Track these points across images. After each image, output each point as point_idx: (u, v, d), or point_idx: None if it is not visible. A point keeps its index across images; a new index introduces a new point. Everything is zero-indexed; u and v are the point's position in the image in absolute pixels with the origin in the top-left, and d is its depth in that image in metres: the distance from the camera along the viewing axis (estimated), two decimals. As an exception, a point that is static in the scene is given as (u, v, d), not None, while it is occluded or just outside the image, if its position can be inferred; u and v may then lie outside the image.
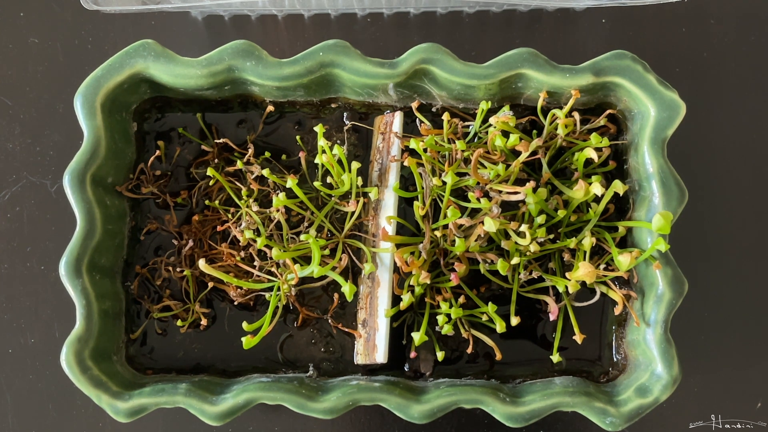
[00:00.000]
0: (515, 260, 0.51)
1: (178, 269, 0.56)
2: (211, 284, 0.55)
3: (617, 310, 0.53)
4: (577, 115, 0.53)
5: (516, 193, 0.50)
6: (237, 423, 0.59)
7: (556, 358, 0.52)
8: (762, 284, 0.60)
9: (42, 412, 0.59)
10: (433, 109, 0.57)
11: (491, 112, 0.55)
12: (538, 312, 0.56)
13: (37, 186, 0.61)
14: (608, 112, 0.54)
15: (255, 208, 0.55)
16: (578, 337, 0.52)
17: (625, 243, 0.55)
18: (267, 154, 0.57)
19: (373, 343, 0.54)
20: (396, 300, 0.53)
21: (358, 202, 0.53)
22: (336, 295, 0.55)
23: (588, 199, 0.51)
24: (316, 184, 0.54)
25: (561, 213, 0.51)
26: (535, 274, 0.53)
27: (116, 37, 0.62)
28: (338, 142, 0.58)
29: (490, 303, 0.52)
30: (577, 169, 0.53)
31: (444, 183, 0.51)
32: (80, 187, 0.51)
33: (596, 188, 0.49)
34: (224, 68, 0.52)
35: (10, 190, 0.61)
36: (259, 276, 0.54)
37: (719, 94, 0.61)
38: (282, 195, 0.52)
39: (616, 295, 0.52)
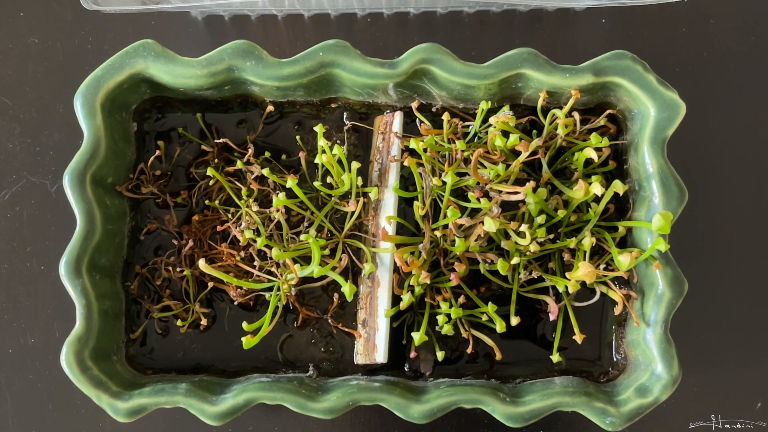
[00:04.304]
0: (515, 260, 0.51)
1: (178, 269, 0.56)
2: (211, 284, 0.55)
3: (617, 310, 0.53)
4: (577, 115, 0.53)
5: (516, 193, 0.50)
6: (237, 423, 0.59)
7: (556, 358, 0.52)
8: (762, 284, 0.60)
9: (42, 412, 0.59)
10: (433, 109, 0.57)
11: (491, 112, 0.55)
12: (538, 312, 0.56)
13: (37, 186, 0.61)
14: (608, 112, 0.54)
15: (255, 208, 0.55)
16: (578, 337, 0.52)
17: (625, 243, 0.55)
18: (267, 154, 0.57)
19: (373, 343, 0.54)
20: (396, 300, 0.53)
21: (358, 202, 0.53)
22: (336, 295, 0.55)
23: (588, 199, 0.51)
24: (316, 184, 0.54)
25: (561, 213, 0.51)
26: (535, 274, 0.53)
27: (116, 37, 0.62)
28: (338, 142, 0.58)
29: (490, 303, 0.52)
30: (577, 169, 0.53)
31: (444, 183, 0.51)
32: (80, 187, 0.51)
33: (596, 188, 0.49)
34: (224, 68, 0.52)
35: (10, 190, 0.61)
36: (259, 276, 0.54)
37: (719, 94, 0.61)
38: (282, 195, 0.52)
39: (616, 295, 0.52)
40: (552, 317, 0.53)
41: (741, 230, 0.60)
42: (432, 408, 0.50)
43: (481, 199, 0.50)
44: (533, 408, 0.50)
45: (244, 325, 0.50)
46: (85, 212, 0.52)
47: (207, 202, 0.57)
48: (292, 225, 0.56)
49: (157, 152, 0.57)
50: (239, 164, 0.55)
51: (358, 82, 0.53)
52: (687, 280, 0.51)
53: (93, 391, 0.51)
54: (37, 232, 0.61)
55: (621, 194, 0.51)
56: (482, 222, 0.50)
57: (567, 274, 0.51)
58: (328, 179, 0.55)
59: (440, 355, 0.53)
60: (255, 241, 0.53)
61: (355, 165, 0.53)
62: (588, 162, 0.54)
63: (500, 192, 0.51)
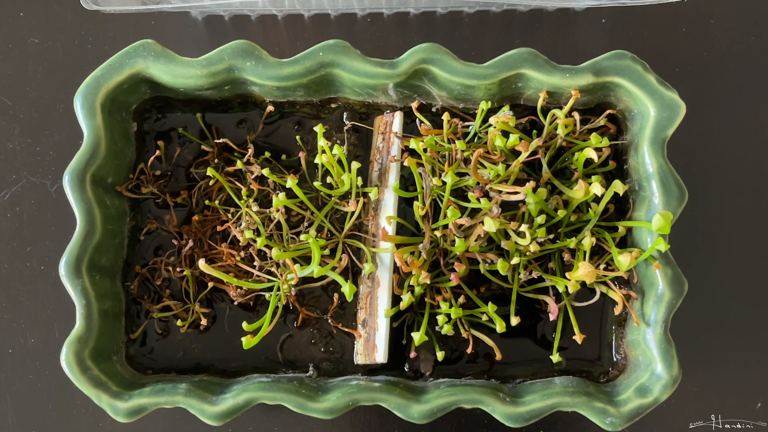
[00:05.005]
0: (515, 260, 0.51)
1: (178, 269, 0.56)
2: (211, 284, 0.55)
3: (617, 310, 0.53)
4: (577, 115, 0.53)
5: (516, 193, 0.50)
6: (237, 423, 0.59)
7: (556, 358, 0.52)
8: (762, 284, 0.60)
9: (42, 412, 0.59)
10: (433, 109, 0.57)
11: (491, 112, 0.55)
12: (538, 312, 0.56)
13: (37, 186, 0.61)
14: (608, 112, 0.54)
15: (255, 208, 0.55)
16: (578, 337, 0.52)
17: (625, 243, 0.55)
18: (267, 154, 0.57)
19: (373, 343, 0.54)
20: (396, 300, 0.53)
21: (358, 202, 0.53)
22: (336, 295, 0.55)
23: (588, 199, 0.51)
24: (316, 184, 0.54)
25: (561, 213, 0.51)
26: (535, 274, 0.53)
27: (116, 37, 0.62)
28: (338, 142, 0.58)
29: (490, 303, 0.52)
30: (577, 169, 0.53)
31: (444, 183, 0.51)
32: (80, 187, 0.51)
33: (596, 188, 0.49)
34: (224, 68, 0.52)
35: (10, 190, 0.61)
36: (259, 276, 0.54)
37: (719, 94, 0.61)
38: (282, 195, 0.52)
39: (616, 295, 0.52)
40: (552, 317, 0.53)
41: (741, 230, 0.60)
42: (432, 408, 0.50)
43: (481, 199, 0.50)
44: (533, 408, 0.50)
45: (244, 325, 0.50)
46: (85, 212, 0.52)
47: (207, 202, 0.57)
48: (292, 225, 0.56)
49: (157, 152, 0.57)
50: (239, 164, 0.55)
51: (358, 82, 0.53)
52: (687, 280, 0.51)
53: (93, 391, 0.51)
54: (37, 232, 0.61)
55: (621, 194, 0.51)
56: (482, 222, 0.50)
57: (567, 274, 0.51)
58: (328, 179, 0.55)
59: (440, 355, 0.53)
60: (255, 241, 0.53)
61: (355, 165, 0.53)
62: (588, 162, 0.54)
63: (500, 192, 0.51)
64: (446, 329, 0.52)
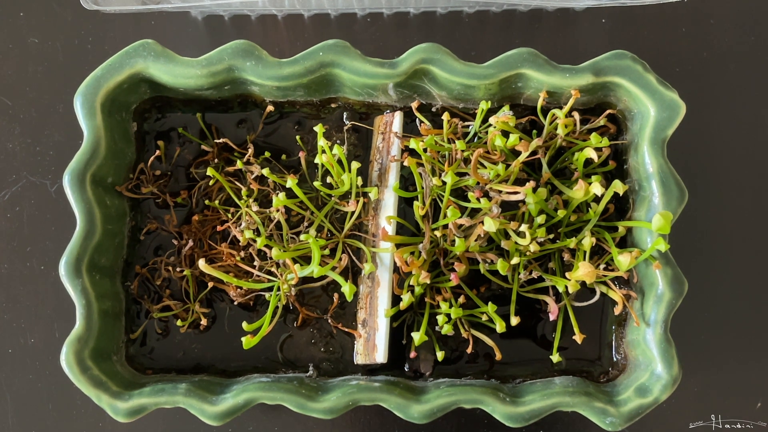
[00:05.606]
0: (515, 260, 0.51)
1: (178, 269, 0.56)
2: (211, 284, 0.55)
3: (617, 310, 0.53)
4: (576, 115, 0.53)
5: (516, 193, 0.50)
6: (237, 423, 0.59)
7: (556, 358, 0.52)
8: (762, 284, 0.60)
9: (42, 412, 0.59)
10: (433, 109, 0.57)
11: (491, 112, 0.55)
12: (538, 312, 0.56)
13: (37, 186, 0.61)
14: (608, 112, 0.54)
15: (255, 208, 0.55)
16: (578, 337, 0.52)
17: (625, 243, 0.55)
18: (267, 154, 0.57)
19: (373, 343, 0.54)
20: (396, 300, 0.53)
21: (358, 202, 0.53)
22: (336, 295, 0.55)
23: (588, 199, 0.51)
24: (316, 184, 0.54)
25: (561, 213, 0.51)
26: (535, 274, 0.53)
27: (116, 37, 0.62)
28: (338, 142, 0.58)
29: (490, 303, 0.52)
30: (577, 169, 0.53)
31: (444, 183, 0.51)
32: (80, 187, 0.51)
33: (596, 188, 0.49)
34: (224, 68, 0.52)
35: (10, 190, 0.61)
36: (259, 276, 0.54)
37: (719, 94, 0.61)
38: (282, 195, 0.52)
39: (616, 295, 0.52)
40: (552, 317, 0.53)
41: (741, 230, 0.60)
42: (432, 408, 0.50)
43: (481, 199, 0.50)
44: (533, 408, 0.50)
45: (244, 325, 0.50)
46: (85, 212, 0.52)
47: (207, 202, 0.57)
48: (292, 225, 0.56)
49: (157, 152, 0.57)
50: (239, 164, 0.55)
51: (358, 82, 0.53)
52: (687, 280, 0.51)
53: (93, 391, 0.51)
54: (37, 232, 0.61)
55: (621, 194, 0.51)
56: (482, 222, 0.50)
57: (567, 274, 0.51)
58: (328, 179, 0.55)
59: (440, 355, 0.53)
60: (255, 241, 0.53)
61: (355, 165, 0.53)
62: (588, 162, 0.54)
63: (500, 192, 0.51)
64: (446, 329, 0.52)
